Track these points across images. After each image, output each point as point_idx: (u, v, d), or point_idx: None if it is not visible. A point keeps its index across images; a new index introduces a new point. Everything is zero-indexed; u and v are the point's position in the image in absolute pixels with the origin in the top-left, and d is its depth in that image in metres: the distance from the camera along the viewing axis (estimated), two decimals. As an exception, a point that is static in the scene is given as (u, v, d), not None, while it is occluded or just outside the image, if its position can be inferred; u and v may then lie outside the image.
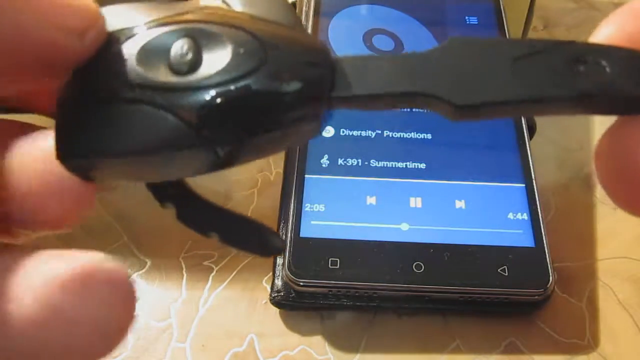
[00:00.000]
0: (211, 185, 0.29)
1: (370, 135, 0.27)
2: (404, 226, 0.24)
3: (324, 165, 0.26)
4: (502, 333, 0.24)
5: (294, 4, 0.34)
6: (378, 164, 0.26)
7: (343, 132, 0.27)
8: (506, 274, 0.23)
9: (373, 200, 0.25)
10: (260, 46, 0.10)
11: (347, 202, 0.25)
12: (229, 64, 0.10)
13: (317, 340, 0.24)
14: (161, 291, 0.26)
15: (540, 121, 0.29)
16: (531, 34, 0.36)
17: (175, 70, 0.10)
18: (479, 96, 0.10)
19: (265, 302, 0.25)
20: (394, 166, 0.26)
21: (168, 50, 0.10)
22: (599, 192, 0.29)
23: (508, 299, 0.23)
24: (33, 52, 0.09)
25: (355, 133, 0.27)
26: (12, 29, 0.09)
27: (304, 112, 0.10)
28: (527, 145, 0.27)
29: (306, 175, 0.26)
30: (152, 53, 0.10)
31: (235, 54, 0.10)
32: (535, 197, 0.25)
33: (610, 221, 0.28)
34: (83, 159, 0.10)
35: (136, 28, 0.10)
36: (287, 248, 0.24)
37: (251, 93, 0.10)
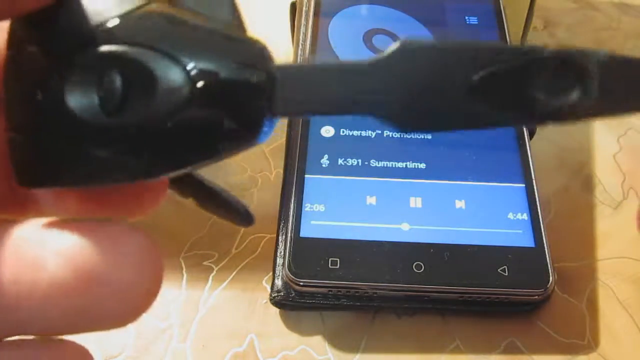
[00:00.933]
0: (211, 185, 0.29)
1: (370, 135, 0.27)
2: (404, 226, 0.24)
3: (324, 165, 0.26)
4: (502, 333, 0.24)
5: (293, 4, 0.34)
6: (378, 164, 0.26)
7: (343, 132, 0.27)
8: (506, 274, 0.23)
9: (373, 200, 0.25)
10: (186, 77, 0.09)
11: (347, 202, 0.25)
12: (158, 101, 0.09)
13: (317, 340, 0.24)
14: (161, 291, 0.26)
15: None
16: (531, 34, 0.36)
17: (106, 110, 0.10)
18: (425, 122, 0.10)
19: (265, 302, 0.25)
20: (394, 166, 0.26)
21: (99, 84, 0.10)
22: (599, 193, 0.29)
23: (508, 299, 0.23)
24: None
25: (355, 133, 0.27)
26: None
27: (239, 137, 0.10)
28: (527, 145, 0.27)
29: (306, 175, 0.26)
30: (82, 94, 0.10)
31: (162, 89, 0.09)
32: (535, 197, 0.25)
33: (610, 221, 0.28)
34: (40, 187, 0.11)
35: (71, 43, 0.10)
36: (287, 248, 0.24)
37: (184, 127, 0.10)
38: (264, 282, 0.26)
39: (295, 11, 0.33)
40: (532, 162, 0.26)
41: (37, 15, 0.10)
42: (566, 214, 0.28)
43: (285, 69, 0.10)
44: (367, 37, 0.31)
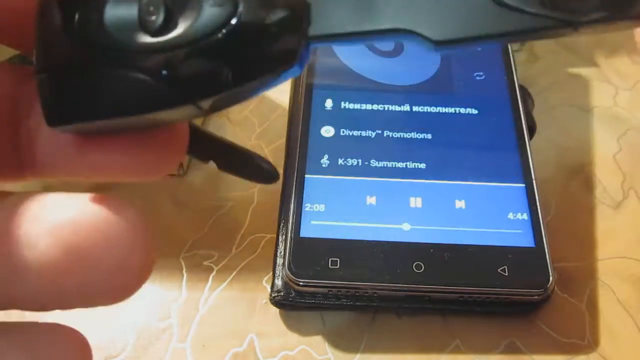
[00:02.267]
0: (211, 185, 0.29)
1: (370, 135, 0.27)
2: (404, 226, 0.24)
3: (324, 165, 0.26)
4: (502, 333, 0.24)
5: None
6: (378, 164, 0.26)
7: (343, 132, 0.27)
8: (506, 274, 0.23)
9: (373, 200, 0.25)
10: None
11: (347, 202, 0.25)
12: (200, 19, 0.09)
13: (317, 340, 0.24)
14: (161, 291, 0.26)
15: (540, 121, 0.29)
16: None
17: (148, 30, 0.10)
18: (457, 31, 0.10)
19: (265, 302, 0.25)
20: (394, 166, 0.26)
21: (138, 9, 0.10)
22: (599, 193, 0.29)
23: (508, 299, 0.23)
24: None
25: (355, 133, 0.27)
26: None
27: (281, 56, 0.10)
28: (527, 145, 0.27)
29: (306, 175, 0.26)
30: (122, 14, 0.10)
31: (205, 7, 0.10)
32: (535, 197, 0.25)
33: (610, 221, 0.28)
34: (69, 125, 0.10)
35: None
36: (287, 248, 0.24)
37: (226, 46, 0.10)
38: (264, 282, 0.26)
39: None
40: (532, 162, 0.26)
41: None
42: (566, 214, 0.28)
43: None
44: (367, 37, 0.31)
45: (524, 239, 0.24)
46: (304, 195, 0.25)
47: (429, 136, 0.27)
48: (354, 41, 0.11)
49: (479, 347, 0.24)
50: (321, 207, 0.25)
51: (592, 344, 0.24)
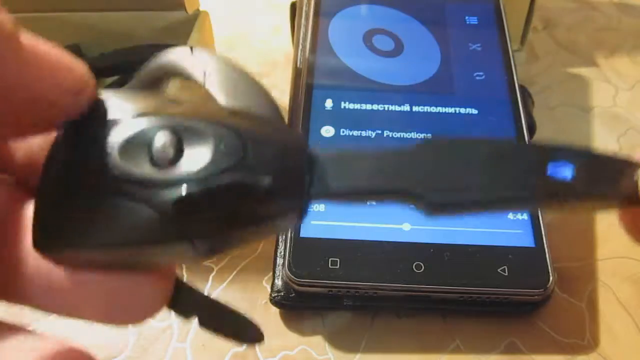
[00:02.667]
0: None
1: (370, 135, 0.27)
2: (405, 226, 0.24)
3: (324, 165, 0.26)
4: (502, 333, 0.24)
5: (293, 4, 0.34)
6: (378, 164, 0.26)
7: (343, 132, 0.27)
8: (506, 274, 0.23)
9: (373, 200, 0.25)
10: (239, 143, 0.10)
11: (347, 202, 0.25)
12: (208, 160, 0.10)
13: (317, 340, 0.24)
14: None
15: (540, 121, 0.29)
16: (531, 34, 0.36)
17: (157, 163, 0.10)
18: (451, 195, 0.11)
19: (265, 302, 0.25)
20: (394, 166, 0.26)
21: (150, 143, 0.10)
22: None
23: (508, 299, 0.23)
24: (30, 104, 0.10)
25: (355, 133, 0.27)
26: (16, 79, 0.10)
27: (281, 207, 0.10)
28: (527, 145, 0.27)
29: (306, 175, 0.26)
30: (134, 145, 0.10)
31: (215, 150, 0.10)
32: (535, 197, 0.25)
33: (610, 221, 0.28)
34: (58, 254, 0.10)
35: (123, 118, 0.10)
36: (287, 248, 0.24)
37: (229, 188, 0.10)
38: (264, 282, 0.26)
39: (295, 11, 0.33)
40: (532, 162, 0.26)
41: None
42: (566, 214, 0.28)
43: (324, 152, 0.11)
44: (367, 37, 0.31)
45: (524, 239, 0.24)
46: (304, 195, 0.25)
47: (429, 136, 0.27)
48: (352, 201, 0.11)
49: (479, 347, 0.24)
50: (321, 207, 0.25)
51: (592, 344, 0.24)
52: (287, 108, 0.30)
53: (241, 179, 0.10)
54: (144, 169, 0.10)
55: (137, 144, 0.10)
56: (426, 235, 0.24)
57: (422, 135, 0.27)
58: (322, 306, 0.24)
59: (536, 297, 0.23)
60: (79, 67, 0.11)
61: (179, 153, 0.10)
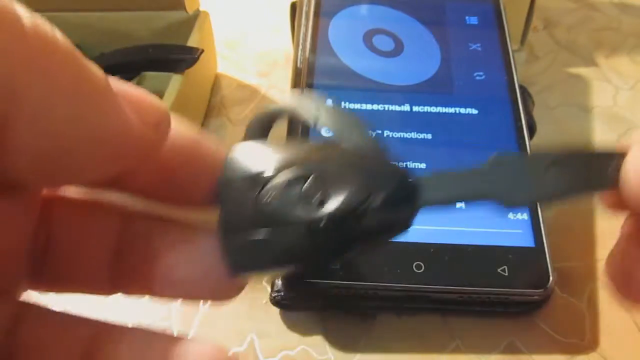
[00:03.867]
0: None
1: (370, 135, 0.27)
2: (404, 226, 0.24)
3: (324, 165, 0.26)
4: (502, 333, 0.24)
5: (293, 4, 0.34)
6: (378, 164, 0.26)
7: (343, 132, 0.27)
8: (506, 274, 0.23)
9: (373, 200, 0.25)
10: (366, 181, 0.13)
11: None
12: (346, 197, 0.13)
13: (317, 340, 0.24)
14: (161, 291, 0.26)
15: (540, 121, 0.29)
16: (531, 34, 0.36)
17: (308, 204, 0.13)
18: (525, 197, 0.14)
19: (265, 302, 0.25)
20: (394, 166, 0.26)
21: (301, 187, 0.13)
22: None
23: (508, 299, 0.23)
24: (117, 140, 0.11)
25: (355, 133, 0.27)
26: (115, 126, 0.11)
27: (399, 224, 0.14)
28: (527, 145, 0.27)
29: (306, 175, 0.26)
30: (289, 191, 0.13)
31: (350, 190, 0.13)
32: (535, 197, 0.25)
33: (610, 221, 0.28)
34: (250, 272, 0.13)
35: (271, 172, 0.13)
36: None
37: (366, 219, 0.13)
38: (264, 282, 0.26)
39: (295, 11, 0.33)
40: (532, 162, 0.26)
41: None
42: (566, 214, 0.28)
43: (426, 176, 0.14)
44: (367, 37, 0.31)
45: (524, 239, 0.24)
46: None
47: (429, 136, 0.27)
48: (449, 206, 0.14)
49: (479, 347, 0.24)
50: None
51: (592, 344, 0.24)
52: (287, 108, 0.30)
53: (374, 212, 0.13)
54: (299, 211, 0.13)
55: (291, 189, 0.13)
56: (426, 235, 0.24)
57: (422, 136, 0.27)
58: (322, 306, 0.24)
59: (536, 297, 0.23)
60: (158, 102, 0.12)
61: (325, 195, 0.13)
